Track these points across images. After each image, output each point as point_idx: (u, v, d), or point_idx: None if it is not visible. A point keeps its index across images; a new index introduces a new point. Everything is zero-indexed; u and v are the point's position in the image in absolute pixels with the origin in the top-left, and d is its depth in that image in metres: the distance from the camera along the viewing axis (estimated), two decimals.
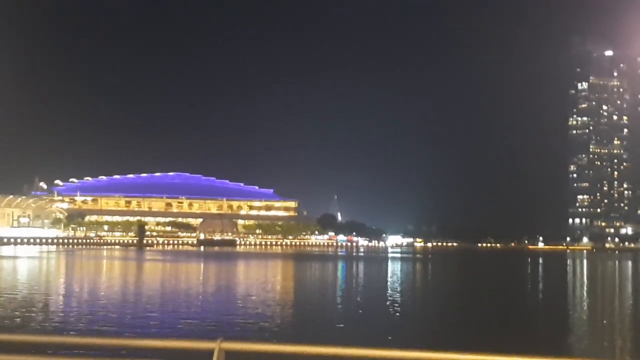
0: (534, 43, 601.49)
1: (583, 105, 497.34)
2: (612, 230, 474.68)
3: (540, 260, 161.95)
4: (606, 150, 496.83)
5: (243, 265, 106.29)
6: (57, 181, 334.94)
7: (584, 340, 31.58)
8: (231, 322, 34.05)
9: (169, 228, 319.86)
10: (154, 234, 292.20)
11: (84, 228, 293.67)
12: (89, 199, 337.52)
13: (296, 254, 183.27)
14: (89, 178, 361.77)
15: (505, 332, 32.28)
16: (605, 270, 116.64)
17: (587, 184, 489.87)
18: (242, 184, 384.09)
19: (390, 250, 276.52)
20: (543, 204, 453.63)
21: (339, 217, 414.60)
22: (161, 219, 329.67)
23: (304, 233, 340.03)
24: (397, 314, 40.57)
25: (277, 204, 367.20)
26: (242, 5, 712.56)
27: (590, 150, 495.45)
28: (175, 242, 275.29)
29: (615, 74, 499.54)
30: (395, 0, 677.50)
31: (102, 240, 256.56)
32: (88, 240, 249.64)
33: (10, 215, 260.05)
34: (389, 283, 69.97)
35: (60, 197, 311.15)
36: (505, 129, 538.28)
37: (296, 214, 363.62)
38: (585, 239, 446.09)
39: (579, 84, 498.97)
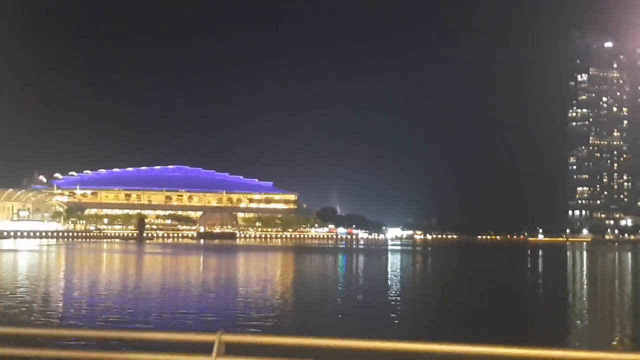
0: (534, 35, 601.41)
1: (583, 97, 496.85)
2: (611, 222, 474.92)
3: (540, 253, 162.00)
4: (606, 142, 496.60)
5: (243, 258, 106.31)
6: (57, 174, 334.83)
7: (585, 332, 31.62)
8: (231, 314, 34.07)
9: (168, 221, 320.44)
10: (154, 227, 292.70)
11: (84, 221, 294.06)
12: (89, 192, 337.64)
13: (296, 246, 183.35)
14: (89, 171, 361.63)
15: (505, 325, 32.32)
16: (605, 262, 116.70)
17: (586, 176, 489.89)
18: (241, 177, 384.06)
19: (390, 242, 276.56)
20: (543, 196, 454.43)
21: (339, 210, 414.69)
22: (161, 212, 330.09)
23: (304, 226, 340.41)
24: (397, 306, 40.60)
25: (277, 197, 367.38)
26: (242, 3, 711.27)
27: (590, 142, 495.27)
28: (175, 235, 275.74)
29: (615, 65, 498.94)
30: None
31: (102, 234, 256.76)
32: (88, 234, 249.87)
33: (10, 209, 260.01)
34: (389, 276, 70.03)
35: (59, 191, 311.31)
36: (505, 122, 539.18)
37: (296, 206, 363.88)
38: (585, 231, 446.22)
39: (579, 76, 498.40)
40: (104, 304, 37.44)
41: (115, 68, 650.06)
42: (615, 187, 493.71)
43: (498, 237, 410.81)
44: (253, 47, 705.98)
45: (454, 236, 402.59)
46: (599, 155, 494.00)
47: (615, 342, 28.11)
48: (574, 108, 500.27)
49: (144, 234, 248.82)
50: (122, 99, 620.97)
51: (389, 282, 59.61)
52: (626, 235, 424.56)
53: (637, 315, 37.84)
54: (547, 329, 30.83)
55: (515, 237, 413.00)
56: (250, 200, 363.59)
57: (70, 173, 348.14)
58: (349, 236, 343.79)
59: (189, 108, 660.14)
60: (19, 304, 36.06)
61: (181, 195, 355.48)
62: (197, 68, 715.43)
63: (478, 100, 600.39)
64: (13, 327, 7.49)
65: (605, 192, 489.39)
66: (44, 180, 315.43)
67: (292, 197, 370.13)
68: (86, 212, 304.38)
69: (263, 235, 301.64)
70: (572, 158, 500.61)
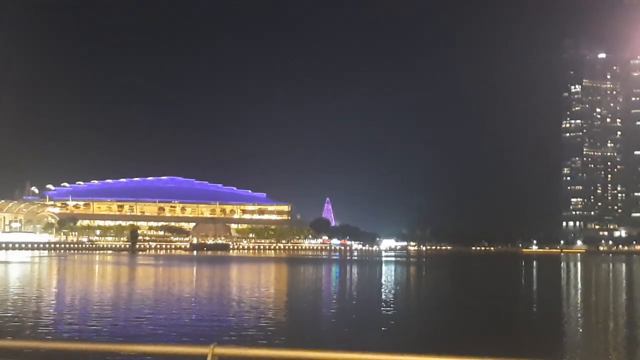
0: (528, 46, 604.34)
1: (576, 108, 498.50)
2: (605, 233, 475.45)
3: (535, 264, 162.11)
4: (600, 153, 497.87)
5: (236, 270, 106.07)
6: (49, 186, 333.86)
7: (580, 345, 31.58)
8: (224, 326, 33.90)
9: (161, 232, 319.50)
10: (147, 238, 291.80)
11: (76, 233, 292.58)
12: (81, 203, 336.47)
13: (289, 258, 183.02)
14: (81, 182, 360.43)
15: (500, 339, 32.27)
16: (599, 274, 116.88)
17: (580, 187, 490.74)
18: (235, 188, 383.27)
19: (384, 254, 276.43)
20: (537, 207, 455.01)
21: (333, 221, 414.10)
22: (154, 224, 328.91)
23: (297, 237, 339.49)
24: (391, 318, 40.51)
25: (270, 208, 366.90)
26: (237, 8, 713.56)
27: (584, 153, 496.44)
28: (168, 246, 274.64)
29: (609, 76, 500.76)
30: (389, 3, 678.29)
31: (94, 245, 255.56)
32: (80, 245, 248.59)
33: (1, 220, 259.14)
34: (382, 288, 69.93)
35: (52, 202, 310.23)
36: (499, 132, 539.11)
37: (289, 217, 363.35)
38: (579, 242, 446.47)
39: (572, 87, 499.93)
40: (96, 317, 37.21)
41: (108, 78, 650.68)
42: (609, 198, 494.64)
43: (492, 248, 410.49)
44: (246, 57, 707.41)
45: (448, 247, 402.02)
46: (592, 166, 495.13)
47: (608, 353, 28.07)
48: (568, 119, 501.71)
49: (137, 246, 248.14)
50: (115, 109, 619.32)
51: (383, 294, 59.49)
52: (620, 246, 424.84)
53: (629, 327, 37.81)
54: (540, 341, 30.75)
55: (509, 248, 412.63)
56: (244, 212, 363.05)
57: (62, 184, 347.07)
58: (342, 247, 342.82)
59: (182, 119, 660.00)
60: (10, 317, 35.78)
61: (174, 207, 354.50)
62: (190, 78, 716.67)
63: (472, 112, 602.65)
64: (3, 340, 7.39)
65: (599, 203, 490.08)
66: (36, 191, 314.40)
67: (286, 208, 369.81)
68: (78, 223, 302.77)
69: (256, 247, 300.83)
70: (566, 169, 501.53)
